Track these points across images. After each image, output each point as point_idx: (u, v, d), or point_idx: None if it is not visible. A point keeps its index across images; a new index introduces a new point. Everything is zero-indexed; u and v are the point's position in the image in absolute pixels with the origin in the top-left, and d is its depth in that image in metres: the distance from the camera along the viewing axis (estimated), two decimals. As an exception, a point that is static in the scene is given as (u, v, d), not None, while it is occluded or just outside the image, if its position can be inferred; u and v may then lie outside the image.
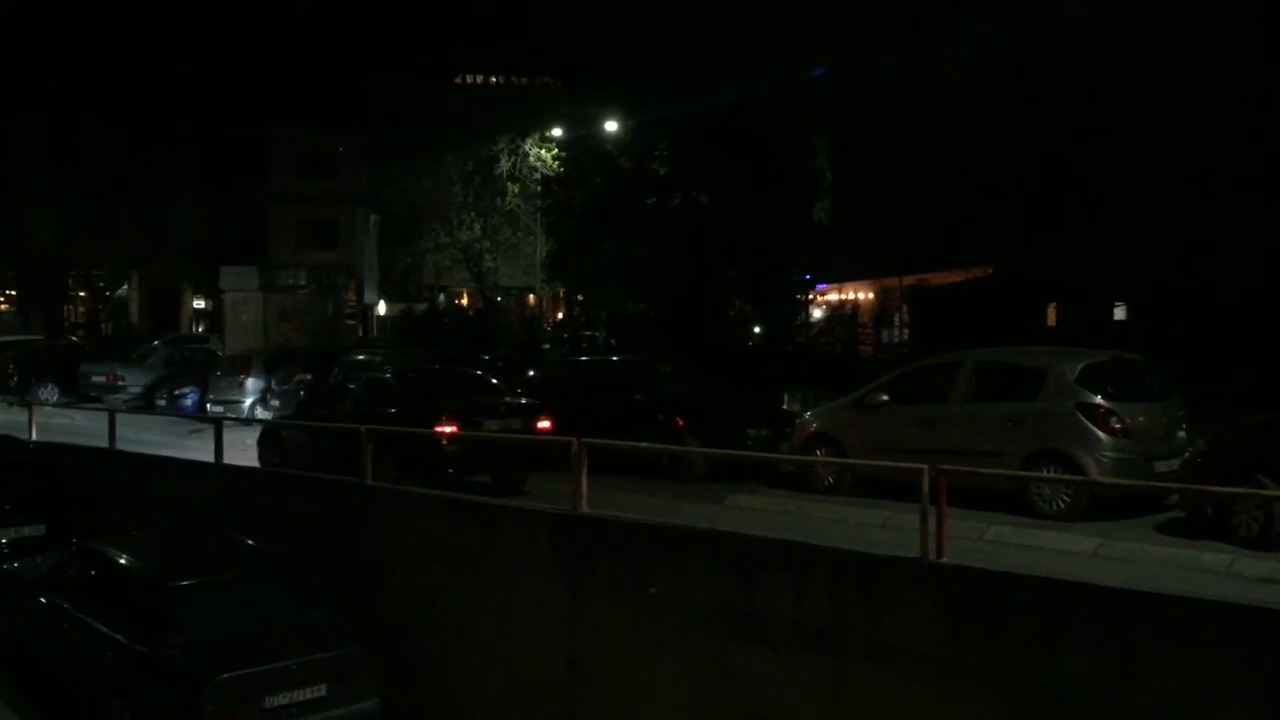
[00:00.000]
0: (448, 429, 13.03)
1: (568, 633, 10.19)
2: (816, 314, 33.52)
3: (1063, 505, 10.83)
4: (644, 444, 11.96)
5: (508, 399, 15.09)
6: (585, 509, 10.13)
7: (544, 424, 14.23)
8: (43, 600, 10.80)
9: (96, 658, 9.71)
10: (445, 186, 42.42)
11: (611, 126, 33.14)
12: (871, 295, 37.62)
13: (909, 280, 32.09)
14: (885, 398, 12.68)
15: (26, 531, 13.16)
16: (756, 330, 31.04)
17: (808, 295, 33.24)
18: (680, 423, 14.77)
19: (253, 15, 45.27)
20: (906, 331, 32.96)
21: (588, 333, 36.61)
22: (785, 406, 19.51)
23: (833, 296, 37.81)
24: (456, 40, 48.05)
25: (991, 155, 25.60)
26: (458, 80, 50.93)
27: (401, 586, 11.86)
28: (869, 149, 32.73)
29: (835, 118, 31.86)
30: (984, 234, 26.76)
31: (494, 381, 16.43)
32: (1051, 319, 27.70)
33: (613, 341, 31.71)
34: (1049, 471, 11.05)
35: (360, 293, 42.35)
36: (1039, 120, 24.26)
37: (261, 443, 16.57)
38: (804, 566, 8.66)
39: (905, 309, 33.26)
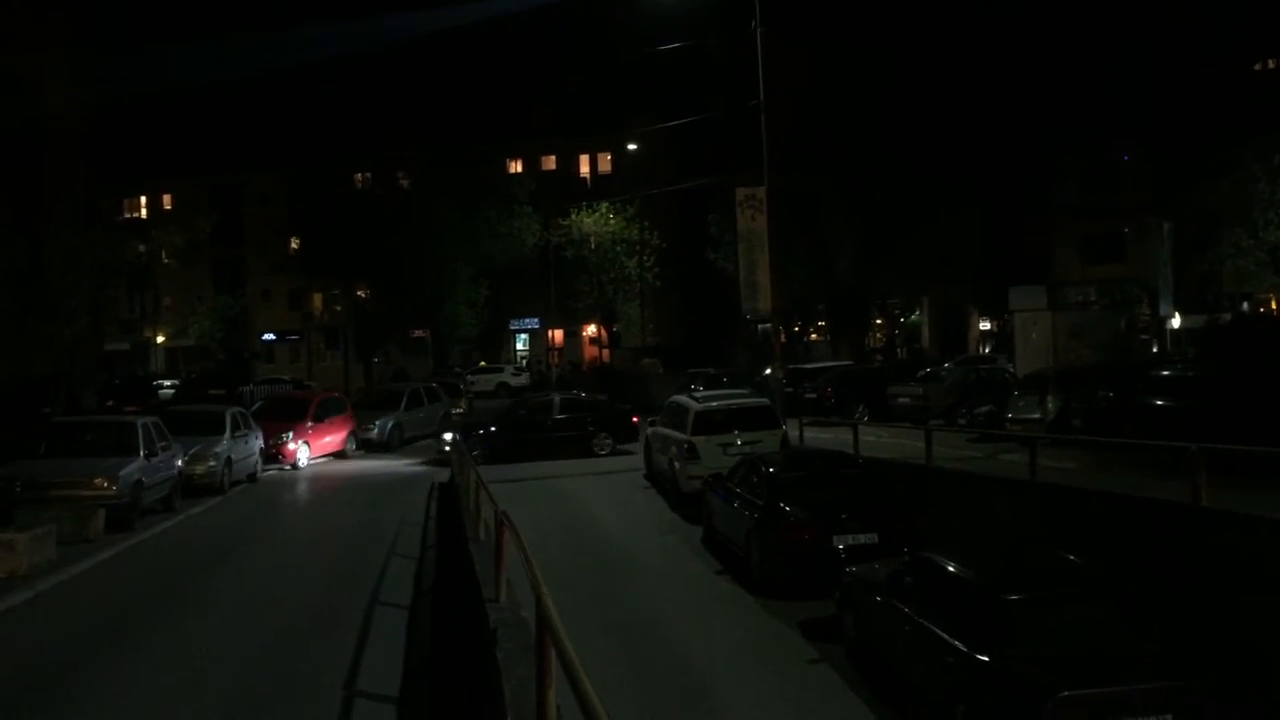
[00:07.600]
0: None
1: None
2: None
3: None
4: None
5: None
6: None
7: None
8: (879, 600, 11.62)
9: (934, 660, 10.08)
10: (1246, 185, 38.25)
11: None
12: None
13: None
14: None
15: (862, 539, 14.14)
16: None
17: None
18: None
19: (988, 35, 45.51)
20: None
21: None
22: None
23: None
24: (1253, 23, 43.51)
25: None
26: (1256, 67, 45.93)
27: (1241, 616, 10.86)
28: None
29: None
30: None
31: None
32: None
33: None
34: None
35: (1154, 305, 40.01)
36: None
37: None
38: None
39: None
